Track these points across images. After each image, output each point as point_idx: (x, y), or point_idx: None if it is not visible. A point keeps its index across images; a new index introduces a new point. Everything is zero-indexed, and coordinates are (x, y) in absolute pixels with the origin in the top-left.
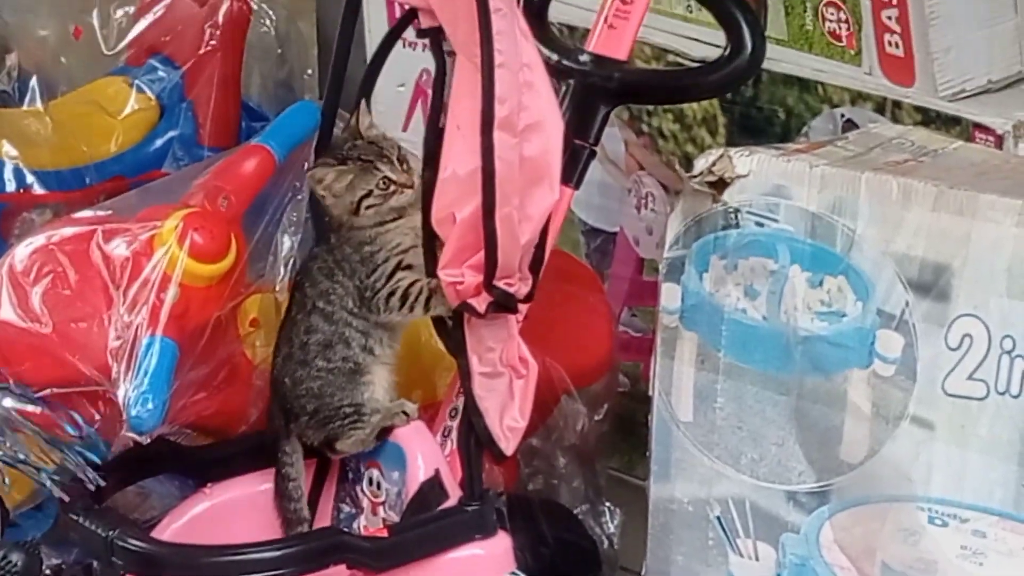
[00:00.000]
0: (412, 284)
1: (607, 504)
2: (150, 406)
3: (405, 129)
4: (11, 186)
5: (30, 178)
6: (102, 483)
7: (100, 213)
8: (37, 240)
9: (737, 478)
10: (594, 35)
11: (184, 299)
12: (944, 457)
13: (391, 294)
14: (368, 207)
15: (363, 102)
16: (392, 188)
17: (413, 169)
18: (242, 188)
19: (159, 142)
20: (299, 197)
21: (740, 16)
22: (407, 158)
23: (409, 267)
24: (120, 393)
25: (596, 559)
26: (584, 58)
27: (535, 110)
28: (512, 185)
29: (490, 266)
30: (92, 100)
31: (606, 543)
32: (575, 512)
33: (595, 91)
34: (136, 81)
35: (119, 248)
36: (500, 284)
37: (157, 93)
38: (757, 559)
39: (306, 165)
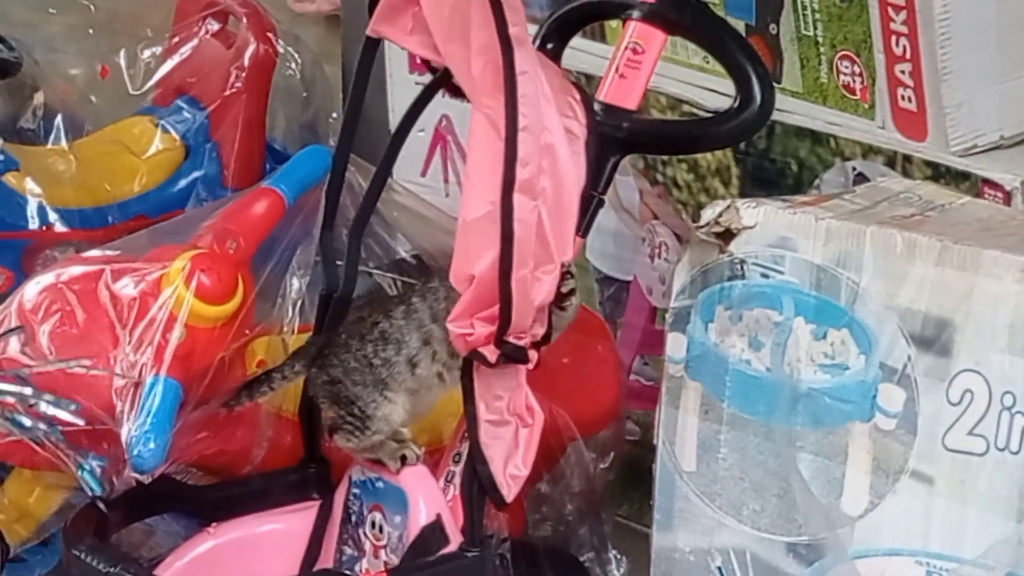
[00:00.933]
0: None
1: (613, 552)
2: (152, 445)
3: (424, 174)
4: (34, 223)
5: (53, 216)
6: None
7: (109, 253)
8: (46, 278)
9: (738, 528)
10: (605, 84)
11: (189, 340)
12: (943, 512)
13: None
14: None
15: None
16: None
17: None
18: (251, 230)
19: (183, 182)
20: (308, 240)
21: (750, 68)
22: None
23: None
24: (123, 432)
25: None
26: (594, 107)
27: (554, 174)
28: (529, 247)
29: (503, 325)
30: (117, 140)
31: None
32: (581, 560)
33: (605, 140)
34: (162, 121)
35: (127, 288)
36: (511, 339)
37: (182, 134)
38: None
39: (316, 208)
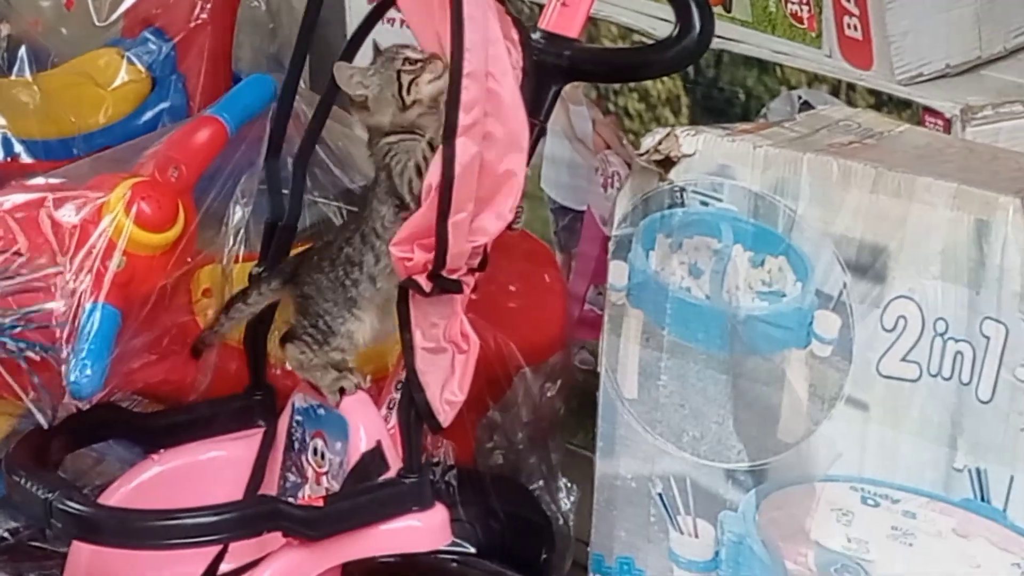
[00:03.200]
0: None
1: (564, 480)
2: (89, 372)
3: None
4: None
5: (18, 147)
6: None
7: (52, 180)
8: None
9: (679, 455)
10: (547, 13)
11: (129, 267)
12: (877, 438)
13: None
14: (411, 95)
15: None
16: (420, 64)
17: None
18: (193, 158)
19: (149, 114)
20: (252, 168)
21: None
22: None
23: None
24: (62, 358)
25: (549, 535)
26: (536, 36)
27: (499, 120)
28: (468, 191)
29: (437, 263)
30: (83, 71)
31: (560, 520)
32: (531, 488)
33: (546, 69)
34: (128, 53)
35: (68, 215)
36: (445, 274)
37: (148, 65)
38: (697, 536)
39: (260, 137)
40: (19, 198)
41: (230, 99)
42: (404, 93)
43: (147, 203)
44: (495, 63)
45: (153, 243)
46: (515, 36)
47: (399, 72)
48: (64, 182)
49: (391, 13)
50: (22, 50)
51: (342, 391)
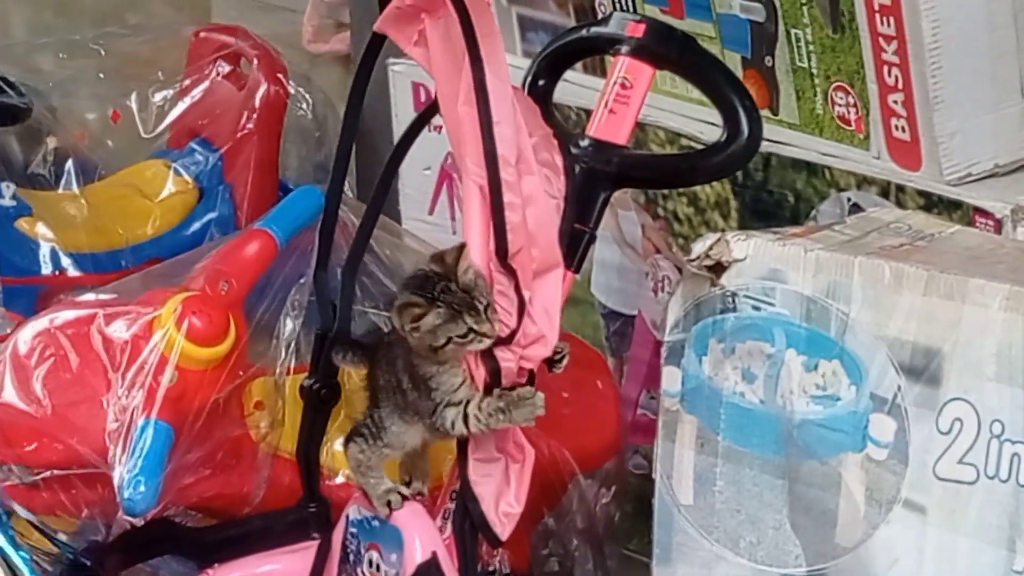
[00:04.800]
0: (467, 420)
1: None
2: (142, 488)
3: (431, 212)
4: (47, 268)
5: (66, 260)
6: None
7: (103, 296)
8: (40, 323)
9: (736, 561)
10: (595, 119)
11: (181, 382)
12: (936, 542)
13: (449, 430)
14: (448, 350)
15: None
16: (472, 338)
17: (497, 318)
18: (243, 272)
19: (197, 225)
20: (301, 280)
21: (737, 101)
22: (493, 306)
23: (457, 403)
24: (116, 475)
25: None
26: (584, 143)
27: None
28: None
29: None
30: (130, 183)
31: None
32: None
33: (594, 175)
34: (175, 164)
35: (119, 331)
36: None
37: (195, 176)
38: None
39: (309, 248)
40: (69, 314)
41: (279, 211)
42: (441, 350)
43: (198, 317)
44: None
45: (205, 357)
46: (558, 162)
47: (450, 339)
48: (115, 297)
49: (437, 120)
50: (69, 163)
51: (389, 504)
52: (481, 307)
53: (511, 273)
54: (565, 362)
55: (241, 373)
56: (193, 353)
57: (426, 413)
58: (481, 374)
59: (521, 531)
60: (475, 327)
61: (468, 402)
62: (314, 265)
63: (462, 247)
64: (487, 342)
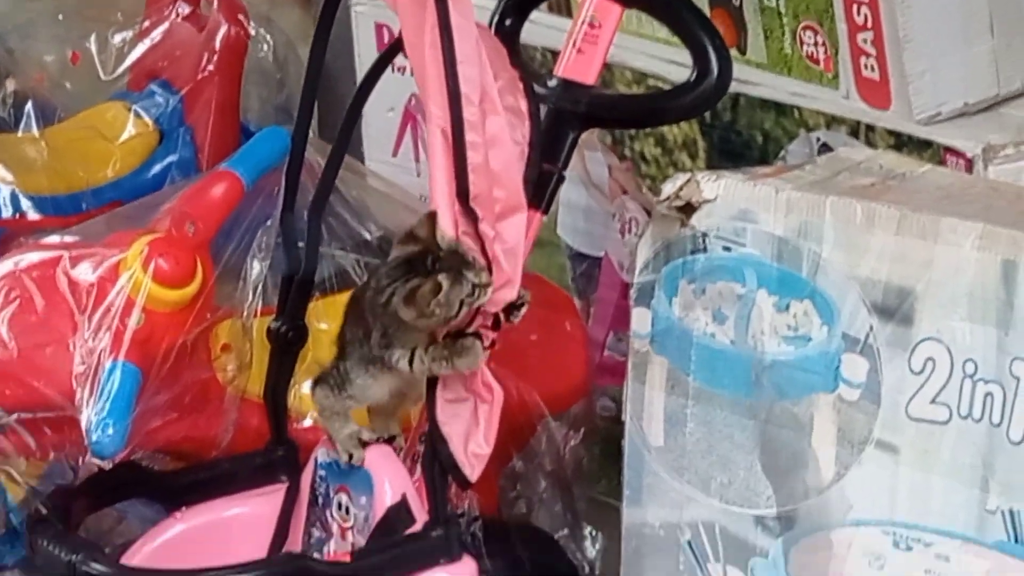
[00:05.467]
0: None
1: (589, 529)
2: (111, 431)
3: (395, 154)
4: (7, 212)
5: (26, 203)
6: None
7: (68, 239)
8: (4, 266)
9: (707, 502)
10: (563, 59)
11: (148, 324)
12: (908, 481)
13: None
14: (457, 317)
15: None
16: (478, 294)
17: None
18: (210, 213)
19: (157, 167)
20: (268, 222)
21: (707, 40)
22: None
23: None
24: (83, 418)
25: None
26: (552, 83)
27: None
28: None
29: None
30: (90, 125)
31: (587, 568)
32: (555, 537)
33: (563, 116)
34: (135, 106)
35: (85, 273)
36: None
37: (156, 118)
38: None
39: (276, 190)
40: (34, 257)
41: (245, 153)
42: (454, 316)
43: (165, 259)
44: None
45: (172, 299)
46: (523, 107)
47: (462, 302)
48: (80, 240)
49: (400, 61)
50: (28, 106)
51: (350, 456)
52: (471, 260)
53: (472, 216)
54: (524, 311)
55: (208, 315)
56: (160, 295)
57: (379, 346)
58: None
59: (489, 473)
60: (476, 280)
61: (416, 346)
62: (280, 207)
63: (431, 215)
64: (489, 291)
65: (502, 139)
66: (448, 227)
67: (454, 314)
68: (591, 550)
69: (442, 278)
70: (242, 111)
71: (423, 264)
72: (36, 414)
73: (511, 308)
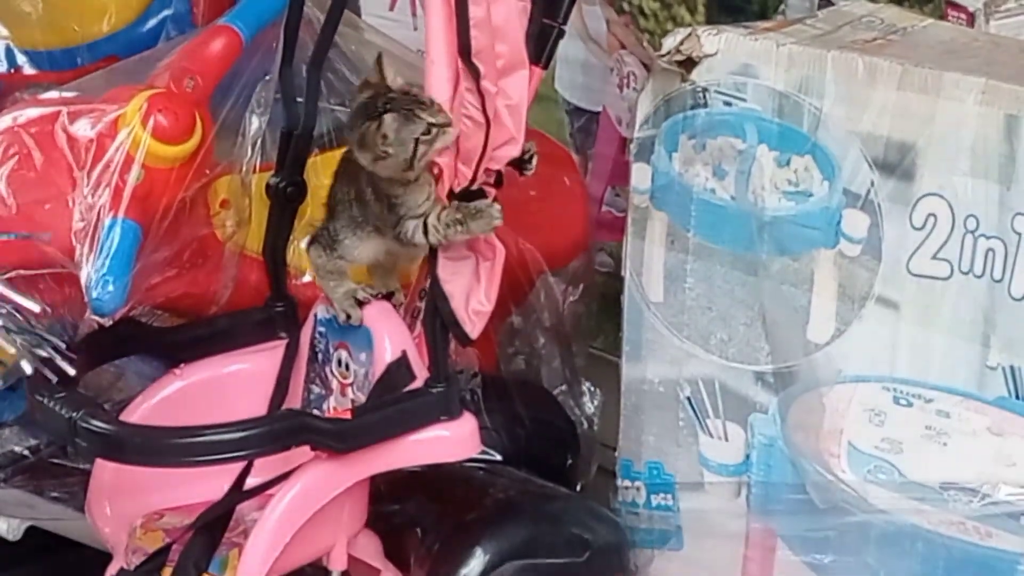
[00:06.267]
0: (426, 232)
1: (587, 385)
2: (111, 288)
3: (392, 8)
4: (2, 66)
5: (21, 58)
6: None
7: (66, 94)
8: (2, 121)
9: (706, 358)
10: None
11: (148, 180)
12: (909, 337)
13: (413, 243)
14: (421, 155)
15: (381, 57)
16: (435, 132)
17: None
18: (208, 69)
19: (153, 22)
20: (267, 77)
21: None
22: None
23: (418, 216)
24: (83, 275)
25: (574, 439)
26: None
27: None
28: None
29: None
30: None
31: (585, 424)
32: (554, 393)
33: None
34: None
35: (84, 129)
36: None
37: None
38: (727, 439)
39: (275, 45)
40: (33, 113)
41: (244, 7)
42: (416, 160)
43: (164, 115)
44: None
45: (171, 155)
46: None
47: (416, 140)
48: (78, 95)
49: None
50: None
51: (348, 317)
52: (426, 100)
53: (475, 71)
54: (535, 162)
55: (207, 171)
56: (159, 151)
57: (390, 226)
58: (444, 187)
59: (488, 330)
60: (432, 119)
61: (428, 214)
62: (279, 62)
63: (378, 58)
64: (451, 132)
65: None
66: (444, 83)
67: (411, 154)
68: (589, 406)
69: (388, 117)
70: None
71: (375, 108)
72: (35, 271)
73: (522, 162)
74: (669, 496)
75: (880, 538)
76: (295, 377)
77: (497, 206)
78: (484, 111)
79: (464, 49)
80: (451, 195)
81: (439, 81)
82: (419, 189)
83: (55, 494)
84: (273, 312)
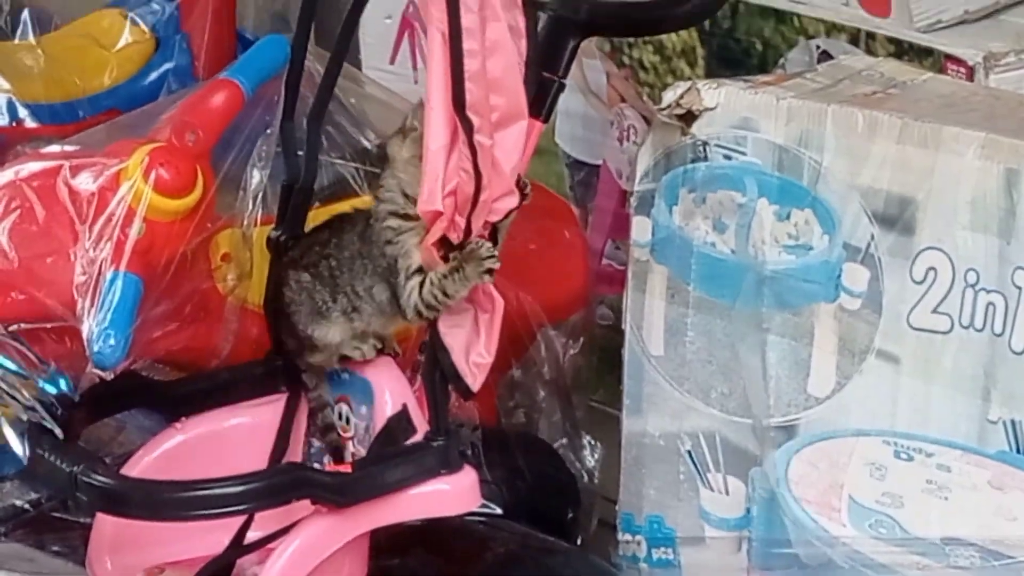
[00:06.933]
0: (423, 287)
1: (587, 438)
2: (112, 342)
3: (392, 62)
4: (3, 120)
5: (22, 111)
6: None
7: (68, 148)
8: (4, 175)
9: (707, 412)
10: None
11: (149, 234)
12: (909, 391)
13: (417, 309)
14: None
15: None
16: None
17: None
18: (210, 122)
19: (154, 75)
20: (268, 131)
21: None
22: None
23: (419, 270)
24: (84, 329)
25: (575, 493)
26: None
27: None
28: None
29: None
30: (86, 33)
31: (585, 477)
32: (554, 446)
33: (563, 24)
34: (131, 14)
35: (85, 183)
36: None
37: (152, 25)
38: (727, 493)
39: (276, 99)
40: (35, 166)
41: (245, 61)
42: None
43: (165, 169)
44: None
45: (173, 209)
46: (520, 24)
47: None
48: (80, 149)
49: None
50: (25, 13)
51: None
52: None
53: (467, 124)
54: (528, 191)
55: (209, 225)
56: (161, 205)
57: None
58: (436, 231)
59: (489, 383)
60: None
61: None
62: (280, 116)
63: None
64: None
65: (503, 45)
66: (441, 130)
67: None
68: (590, 459)
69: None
70: (238, 18)
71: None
72: (37, 324)
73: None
74: (670, 550)
75: None
76: (296, 431)
77: (488, 245)
78: (475, 165)
79: (458, 102)
80: (449, 247)
81: (437, 128)
82: (415, 233)
83: (56, 548)
84: (274, 365)
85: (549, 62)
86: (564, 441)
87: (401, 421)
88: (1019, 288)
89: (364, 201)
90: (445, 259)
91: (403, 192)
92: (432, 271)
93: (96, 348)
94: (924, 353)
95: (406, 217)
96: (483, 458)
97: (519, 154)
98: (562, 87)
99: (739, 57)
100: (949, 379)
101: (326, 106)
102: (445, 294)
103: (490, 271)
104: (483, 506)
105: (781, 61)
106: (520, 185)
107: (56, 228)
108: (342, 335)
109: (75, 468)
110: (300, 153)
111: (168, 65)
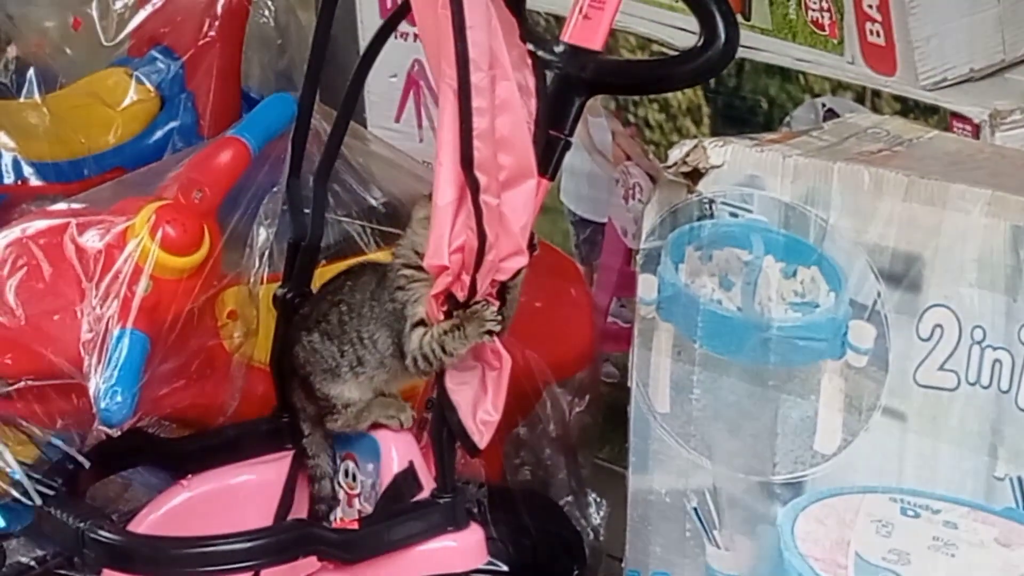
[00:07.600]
0: (423, 339)
1: (593, 496)
2: (119, 399)
3: (398, 120)
4: (9, 178)
5: (28, 170)
6: (85, 464)
7: (75, 206)
8: (11, 233)
9: (713, 469)
10: (569, 25)
11: (156, 291)
12: (916, 448)
13: (415, 359)
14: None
15: None
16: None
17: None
18: (217, 180)
19: (159, 133)
20: (275, 189)
21: (713, 6)
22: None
23: (422, 321)
24: (91, 386)
25: (580, 550)
26: (559, 49)
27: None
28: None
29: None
30: (91, 92)
31: (591, 535)
32: (560, 504)
33: (569, 82)
34: (136, 72)
35: (92, 241)
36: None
37: (157, 84)
38: (734, 550)
39: (282, 157)
40: (41, 224)
41: (252, 119)
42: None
43: (172, 226)
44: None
45: (179, 266)
46: (530, 84)
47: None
48: (87, 207)
49: (404, 27)
50: (30, 72)
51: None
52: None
53: (473, 183)
54: (535, 241)
55: (215, 282)
56: (167, 262)
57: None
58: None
59: (495, 440)
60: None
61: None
62: (287, 173)
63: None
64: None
65: (512, 104)
66: (450, 187)
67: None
68: (596, 517)
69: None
70: (243, 77)
71: None
72: (44, 381)
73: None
74: None
75: None
76: (301, 488)
77: (492, 307)
78: (480, 224)
79: (466, 159)
80: (455, 303)
81: (445, 185)
82: (426, 284)
83: None
84: (280, 423)
85: (556, 120)
86: (570, 498)
87: (408, 478)
88: None
89: (373, 258)
90: (448, 315)
91: (415, 250)
92: (434, 325)
93: (103, 405)
94: (931, 410)
95: (419, 269)
96: (489, 515)
97: (529, 213)
98: (568, 145)
99: (745, 115)
100: (956, 436)
101: (332, 164)
102: (444, 350)
103: (490, 332)
104: (489, 563)
105: (787, 119)
106: (531, 244)
107: (63, 285)
108: (360, 393)
109: (82, 524)
110: (307, 211)
111: (173, 124)
